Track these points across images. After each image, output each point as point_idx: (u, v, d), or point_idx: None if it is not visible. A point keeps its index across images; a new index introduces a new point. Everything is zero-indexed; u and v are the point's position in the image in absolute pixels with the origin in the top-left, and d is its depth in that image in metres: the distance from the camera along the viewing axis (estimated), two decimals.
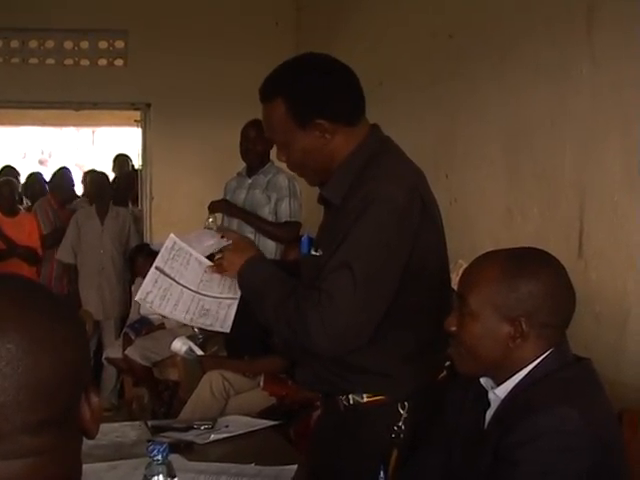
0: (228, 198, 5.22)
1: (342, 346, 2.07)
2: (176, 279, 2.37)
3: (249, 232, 4.85)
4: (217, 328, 2.43)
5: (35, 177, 8.38)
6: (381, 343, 2.12)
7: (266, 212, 5.03)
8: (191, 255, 2.41)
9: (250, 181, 5.15)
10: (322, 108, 2.13)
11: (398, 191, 2.07)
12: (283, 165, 2.41)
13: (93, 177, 7.21)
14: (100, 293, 6.82)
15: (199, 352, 4.52)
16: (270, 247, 4.98)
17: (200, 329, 4.70)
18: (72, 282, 6.87)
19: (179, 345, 4.59)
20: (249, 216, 5.04)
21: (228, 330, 2.44)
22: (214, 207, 5.05)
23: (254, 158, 5.08)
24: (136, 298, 2.46)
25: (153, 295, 2.35)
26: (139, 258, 6.15)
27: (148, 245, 6.54)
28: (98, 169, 7.78)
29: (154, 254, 2.47)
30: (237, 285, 2.43)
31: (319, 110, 2.13)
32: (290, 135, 2.15)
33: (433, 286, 2.19)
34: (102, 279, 6.83)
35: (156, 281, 2.35)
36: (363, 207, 2.04)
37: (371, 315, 2.05)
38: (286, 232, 4.91)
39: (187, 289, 2.38)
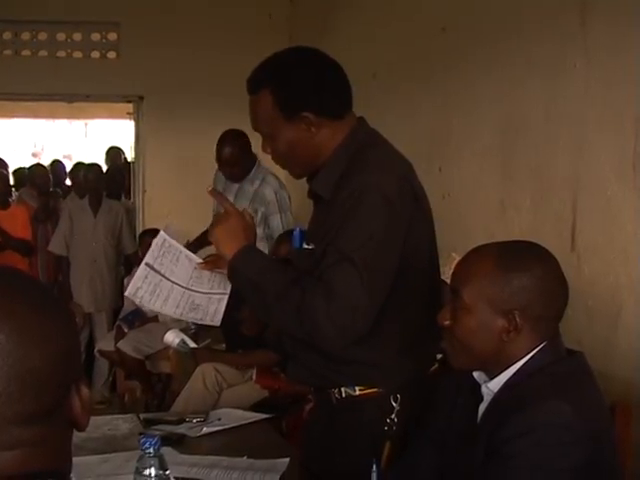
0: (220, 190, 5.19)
1: (347, 338, 2.05)
2: (166, 275, 2.38)
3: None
4: (207, 322, 2.45)
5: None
6: (373, 335, 2.12)
7: None
8: (181, 252, 2.42)
9: (237, 187, 5.03)
10: (309, 101, 2.15)
11: (388, 181, 2.08)
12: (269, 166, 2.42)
13: (87, 170, 7.20)
14: (92, 286, 6.81)
15: (192, 344, 4.53)
16: None
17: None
18: (64, 274, 6.86)
19: (172, 337, 4.59)
20: None
21: (218, 324, 2.46)
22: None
23: (234, 177, 4.98)
24: (126, 293, 2.48)
25: (143, 291, 2.37)
26: (147, 238, 5.98)
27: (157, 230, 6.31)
28: (90, 161, 7.75)
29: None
30: (227, 281, 2.43)
31: (306, 103, 2.14)
32: (276, 127, 2.16)
33: (424, 276, 2.20)
34: (94, 272, 6.82)
35: (146, 277, 2.37)
36: (355, 199, 2.05)
37: (373, 306, 2.05)
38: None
39: (177, 285, 2.40)
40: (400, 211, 2.07)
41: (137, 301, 2.45)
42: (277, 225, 4.90)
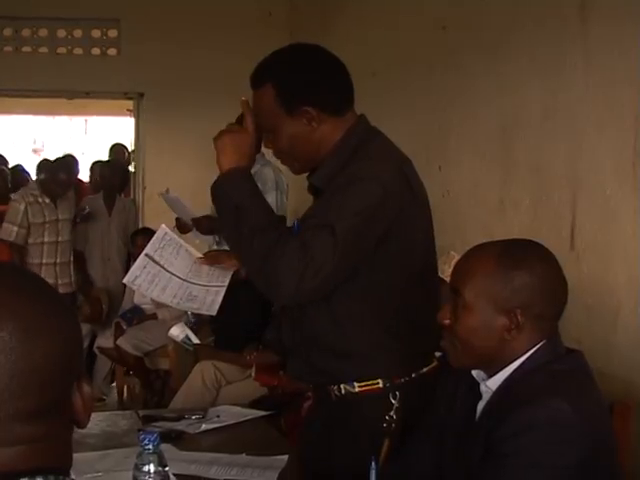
0: None
1: (300, 291, 2.03)
2: (165, 267, 2.41)
3: None
4: (204, 311, 2.49)
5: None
6: (373, 329, 2.14)
7: None
8: (181, 246, 2.45)
9: None
10: (310, 96, 2.16)
11: (383, 169, 2.11)
12: (273, 158, 2.42)
13: (101, 167, 7.20)
14: (105, 283, 6.80)
15: (196, 340, 4.55)
16: None
17: (192, 314, 4.73)
18: (81, 268, 6.84)
19: (177, 332, 4.62)
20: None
21: (214, 313, 2.49)
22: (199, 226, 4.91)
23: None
24: (124, 280, 2.51)
25: (141, 279, 2.40)
26: (138, 237, 5.99)
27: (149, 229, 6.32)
28: (104, 159, 7.75)
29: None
30: (225, 275, 2.44)
31: (307, 98, 2.16)
32: (277, 121, 2.18)
33: (420, 267, 2.20)
34: (107, 269, 6.82)
35: (145, 267, 2.40)
36: (348, 182, 2.07)
37: (337, 277, 2.06)
38: None
39: (175, 276, 2.42)
40: (392, 194, 2.08)
41: (135, 288, 2.49)
42: (271, 202, 4.91)
